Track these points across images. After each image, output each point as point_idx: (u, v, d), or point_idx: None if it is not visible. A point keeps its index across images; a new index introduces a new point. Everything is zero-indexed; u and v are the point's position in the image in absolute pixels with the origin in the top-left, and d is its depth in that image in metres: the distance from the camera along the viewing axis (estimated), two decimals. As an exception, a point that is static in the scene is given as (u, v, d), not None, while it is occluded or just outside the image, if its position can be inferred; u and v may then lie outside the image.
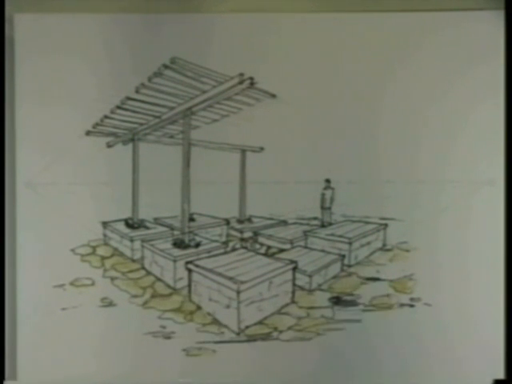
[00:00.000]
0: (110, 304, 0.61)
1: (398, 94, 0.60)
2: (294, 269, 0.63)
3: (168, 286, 0.64)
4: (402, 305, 0.62)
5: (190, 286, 0.63)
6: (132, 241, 0.66)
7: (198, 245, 0.67)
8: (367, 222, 0.62)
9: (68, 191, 0.60)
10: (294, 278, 0.63)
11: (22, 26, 0.58)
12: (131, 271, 0.64)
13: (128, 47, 0.59)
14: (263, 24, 0.59)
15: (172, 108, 0.63)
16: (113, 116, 0.61)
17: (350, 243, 0.66)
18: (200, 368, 0.61)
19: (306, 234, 0.68)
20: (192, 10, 0.60)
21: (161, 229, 0.69)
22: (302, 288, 0.63)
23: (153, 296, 0.62)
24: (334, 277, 0.64)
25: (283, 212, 0.63)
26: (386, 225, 0.62)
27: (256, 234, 0.70)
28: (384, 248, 0.63)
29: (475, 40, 0.59)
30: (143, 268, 0.66)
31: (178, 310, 0.62)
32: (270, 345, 0.61)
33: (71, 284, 0.61)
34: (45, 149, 0.60)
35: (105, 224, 0.62)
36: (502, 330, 0.58)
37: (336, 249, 0.67)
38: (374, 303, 0.62)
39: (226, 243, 0.68)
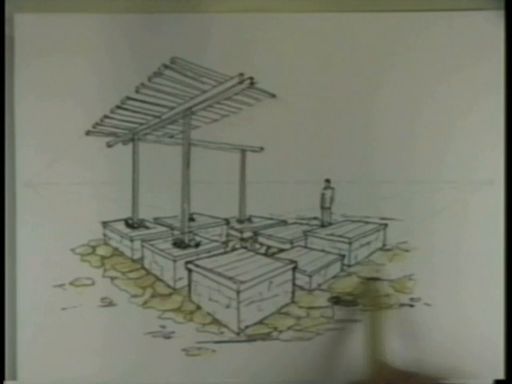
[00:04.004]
0: (110, 304, 0.61)
1: (398, 93, 0.60)
2: (294, 269, 0.63)
3: (168, 285, 0.64)
4: (401, 305, 0.62)
5: (189, 285, 0.63)
6: (132, 241, 0.67)
7: (197, 245, 0.67)
8: (367, 222, 0.62)
9: (68, 191, 0.60)
10: (293, 278, 0.63)
11: (22, 26, 0.58)
12: (131, 271, 0.64)
13: (128, 47, 0.59)
14: (263, 24, 0.59)
15: (172, 108, 0.63)
16: (113, 116, 0.61)
17: (350, 243, 0.66)
18: (200, 368, 0.61)
19: (305, 233, 0.68)
20: (192, 10, 0.60)
21: (161, 229, 0.69)
22: (301, 288, 0.63)
23: (153, 296, 0.62)
24: (334, 277, 0.64)
25: (283, 212, 0.63)
26: (385, 225, 0.62)
27: (256, 233, 0.70)
28: (384, 248, 0.63)
29: (475, 40, 0.59)
30: (143, 268, 0.66)
31: (177, 310, 0.62)
32: (270, 345, 0.61)
33: (71, 284, 0.61)
34: (45, 148, 0.60)
35: (105, 224, 0.62)
36: (502, 329, 0.59)
37: (336, 249, 0.67)
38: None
39: (225, 243, 0.68)
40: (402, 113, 0.60)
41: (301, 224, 0.65)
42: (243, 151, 0.63)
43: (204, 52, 0.59)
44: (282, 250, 0.69)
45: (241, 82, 0.59)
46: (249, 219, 0.66)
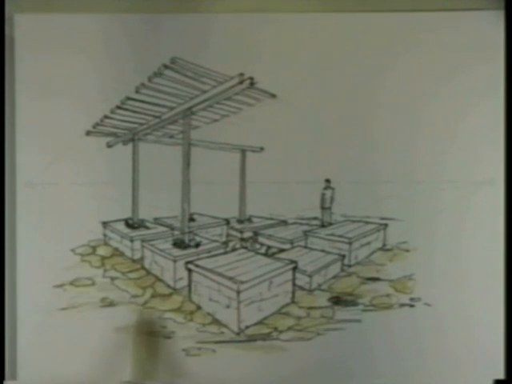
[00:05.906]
0: (110, 304, 0.61)
1: (398, 93, 0.60)
2: (294, 269, 0.63)
3: (168, 285, 0.64)
4: (402, 305, 0.62)
5: (190, 286, 0.63)
6: (132, 241, 0.66)
7: (197, 245, 0.67)
8: (367, 222, 0.62)
9: (68, 191, 0.60)
10: (293, 278, 0.63)
11: (22, 26, 0.58)
12: (131, 271, 0.64)
13: (128, 47, 0.59)
14: (263, 24, 0.59)
15: (172, 108, 0.63)
16: (113, 116, 0.61)
17: (350, 243, 0.66)
18: (200, 368, 0.61)
19: (306, 234, 0.68)
20: (192, 10, 0.60)
21: (161, 229, 0.69)
22: (302, 288, 0.63)
23: (153, 296, 0.62)
24: (334, 277, 0.64)
25: (283, 212, 0.63)
26: (385, 225, 0.62)
27: (256, 233, 0.70)
28: (384, 248, 0.63)
29: (475, 40, 0.59)
30: (143, 268, 0.66)
31: (178, 310, 0.62)
32: (270, 345, 0.61)
33: (71, 284, 0.61)
34: (45, 149, 0.60)
35: (105, 224, 0.62)
36: (502, 330, 0.58)
37: (336, 249, 0.67)
38: (374, 303, 0.62)
39: (226, 243, 0.68)
40: (403, 113, 0.60)
41: (301, 224, 0.65)
42: (243, 151, 0.63)
43: (204, 52, 0.59)
44: (282, 250, 0.69)
45: (241, 82, 0.59)
46: (249, 219, 0.66)
